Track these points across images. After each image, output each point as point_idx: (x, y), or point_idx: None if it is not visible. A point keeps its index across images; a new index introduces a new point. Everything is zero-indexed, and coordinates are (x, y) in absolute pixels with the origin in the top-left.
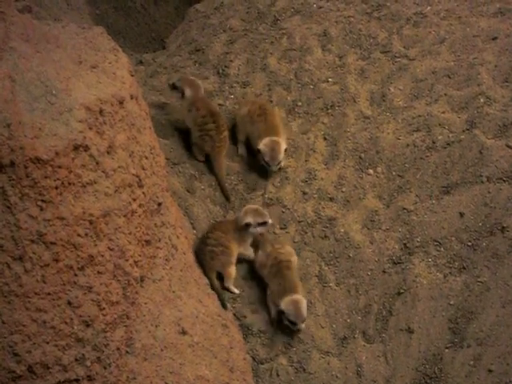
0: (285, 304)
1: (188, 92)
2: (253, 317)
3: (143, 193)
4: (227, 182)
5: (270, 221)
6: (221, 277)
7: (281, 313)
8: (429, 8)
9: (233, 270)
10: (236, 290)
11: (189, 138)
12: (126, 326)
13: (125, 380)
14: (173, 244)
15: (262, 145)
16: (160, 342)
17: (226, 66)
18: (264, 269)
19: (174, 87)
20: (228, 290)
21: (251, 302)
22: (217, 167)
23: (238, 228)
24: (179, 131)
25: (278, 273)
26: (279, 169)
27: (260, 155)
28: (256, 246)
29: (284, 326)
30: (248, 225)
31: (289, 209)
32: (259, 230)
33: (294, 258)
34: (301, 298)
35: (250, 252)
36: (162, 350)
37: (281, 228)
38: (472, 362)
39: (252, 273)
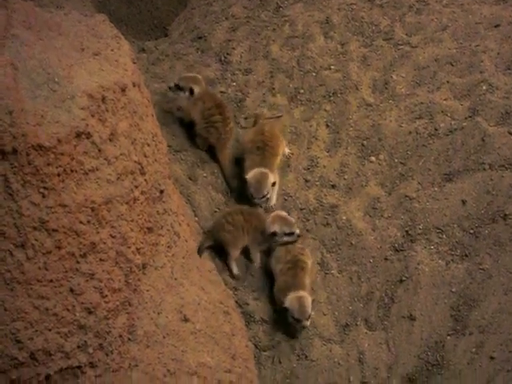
0: (289, 301)
1: (197, 89)
2: (255, 304)
3: (145, 180)
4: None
5: (297, 231)
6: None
7: (285, 310)
8: None
9: (235, 253)
10: (235, 270)
11: (191, 127)
12: (128, 313)
13: (127, 367)
14: (175, 231)
15: (249, 176)
16: (162, 329)
17: (228, 54)
18: (278, 263)
19: (178, 88)
20: (228, 267)
21: (253, 289)
22: (222, 159)
23: (261, 232)
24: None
25: (289, 270)
26: (267, 200)
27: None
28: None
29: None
30: (275, 234)
31: (291, 196)
32: (285, 239)
33: (311, 262)
34: (305, 295)
35: (256, 258)
36: (164, 337)
37: None
38: (474, 350)
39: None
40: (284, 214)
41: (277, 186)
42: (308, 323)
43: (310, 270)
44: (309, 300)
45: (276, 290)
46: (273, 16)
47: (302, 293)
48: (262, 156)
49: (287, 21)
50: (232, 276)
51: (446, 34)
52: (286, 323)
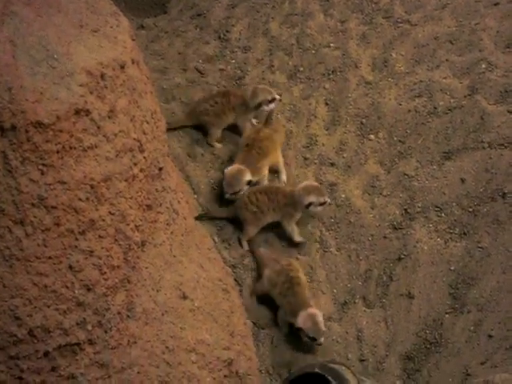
0: (302, 320)
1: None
2: (254, 283)
3: (144, 157)
4: (229, 148)
5: (328, 200)
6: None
7: (298, 330)
8: None
9: (252, 232)
10: (246, 247)
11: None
12: (126, 290)
13: (126, 344)
14: (174, 209)
15: (227, 170)
16: (161, 307)
17: (227, 31)
18: (275, 288)
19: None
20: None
21: (252, 268)
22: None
23: (293, 203)
24: (181, 98)
25: (289, 290)
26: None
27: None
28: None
29: None
30: (311, 204)
31: (292, 175)
32: (319, 209)
33: (302, 275)
34: (316, 312)
35: (294, 231)
36: (162, 315)
37: None
38: (472, 328)
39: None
40: (315, 183)
41: (284, 177)
42: (323, 340)
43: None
44: (320, 316)
45: (284, 314)
46: None
47: (311, 310)
48: (248, 154)
49: None
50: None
51: (446, 11)
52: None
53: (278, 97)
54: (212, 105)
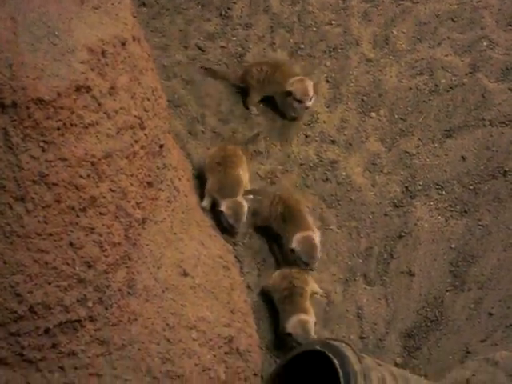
0: (291, 326)
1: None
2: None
3: (145, 135)
4: (230, 127)
5: (309, 105)
6: None
7: (287, 335)
8: None
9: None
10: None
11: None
12: (127, 267)
13: (126, 321)
14: (174, 186)
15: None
16: (161, 284)
17: (228, 8)
18: (276, 292)
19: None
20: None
21: (251, 247)
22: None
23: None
24: (182, 75)
25: (287, 298)
26: None
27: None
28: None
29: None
30: (290, 93)
31: (293, 152)
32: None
33: (309, 288)
34: (307, 319)
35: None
36: (163, 292)
37: (282, 173)
38: (473, 306)
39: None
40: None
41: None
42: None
43: (310, 295)
44: (311, 323)
45: (280, 321)
46: None
47: (303, 316)
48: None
49: None
50: None
51: None
52: None
53: (308, 104)
54: (258, 70)
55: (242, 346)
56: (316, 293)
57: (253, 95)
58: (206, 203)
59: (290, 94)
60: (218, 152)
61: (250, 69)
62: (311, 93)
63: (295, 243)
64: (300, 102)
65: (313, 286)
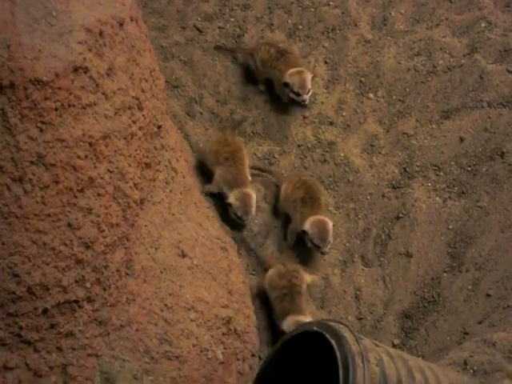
0: (287, 325)
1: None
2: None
3: (143, 115)
4: (229, 108)
5: (305, 99)
6: None
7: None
8: None
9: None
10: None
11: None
12: (125, 247)
13: (124, 301)
14: (172, 167)
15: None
16: (159, 265)
17: None
18: (274, 290)
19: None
20: None
21: (249, 229)
22: None
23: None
24: (179, 56)
25: (286, 296)
26: None
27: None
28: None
29: None
30: (287, 84)
31: (291, 134)
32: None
33: (305, 284)
34: (304, 319)
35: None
36: (161, 272)
37: (280, 154)
38: (470, 287)
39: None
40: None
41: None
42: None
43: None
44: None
45: (275, 317)
46: None
47: (301, 317)
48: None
49: None
50: None
51: None
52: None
53: (305, 97)
54: (266, 50)
55: (239, 327)
56: (312, 281)
57: (257, 72)
58: (214, 188)
59: (287, 84)
60: (221, 146)
61: (260, 46)
62: (309, 86)
63: (308, 225)
64: (297, 94)
65: (307, 279)
